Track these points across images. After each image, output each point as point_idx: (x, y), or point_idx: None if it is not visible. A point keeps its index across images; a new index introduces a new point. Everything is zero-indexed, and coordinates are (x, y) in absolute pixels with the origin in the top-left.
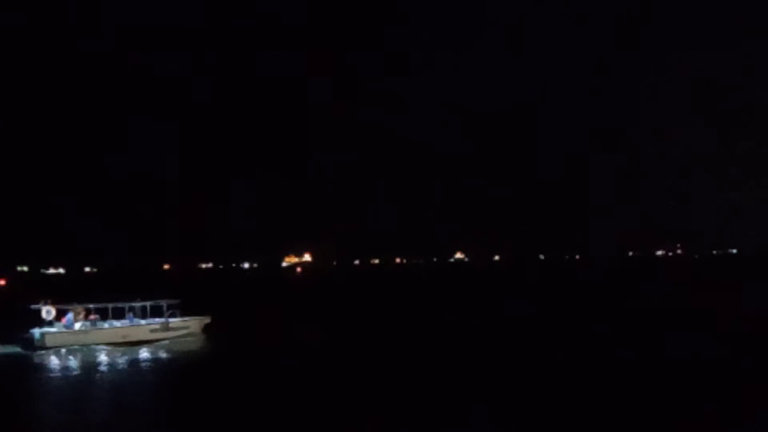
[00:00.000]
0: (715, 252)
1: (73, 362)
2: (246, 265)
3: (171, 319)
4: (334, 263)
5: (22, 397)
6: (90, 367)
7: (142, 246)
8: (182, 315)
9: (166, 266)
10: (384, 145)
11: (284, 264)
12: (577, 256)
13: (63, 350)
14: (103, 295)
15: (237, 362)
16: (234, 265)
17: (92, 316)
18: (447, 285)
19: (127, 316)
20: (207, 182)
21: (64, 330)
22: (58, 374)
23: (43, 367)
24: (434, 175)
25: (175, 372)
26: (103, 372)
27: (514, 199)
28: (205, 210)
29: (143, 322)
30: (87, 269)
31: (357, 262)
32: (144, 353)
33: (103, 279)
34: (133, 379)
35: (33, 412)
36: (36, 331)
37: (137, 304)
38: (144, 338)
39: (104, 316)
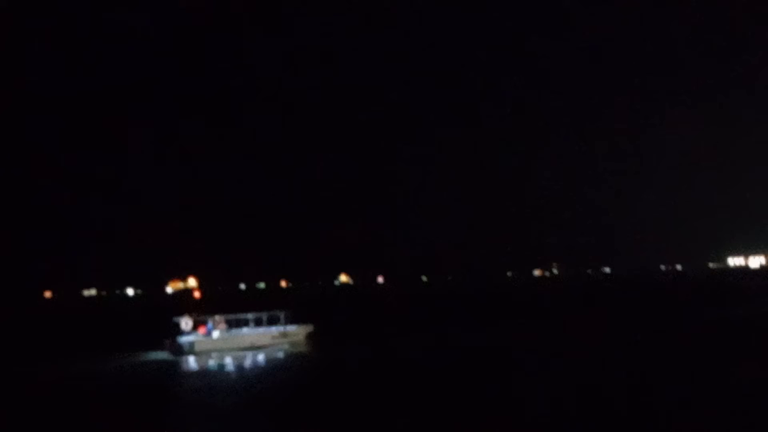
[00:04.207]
0: (589, 271)
1: (216, 364)
2: (131, 292)
3: (288, 327)
4: (220, 288)
5: (181, 394)
6: (231, 367)
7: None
8: (292, 323)
9: (47, 294)
10: (265, 165)
11: (169, 290)
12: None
13: (206, 355)
14: None
15: (338, 361)
16: (118, 291)
17: (222, 326)
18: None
19: (249, 325)
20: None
21: (206, 338)
22: (209, 374)
23: (196, 369)
24: (320, 196)
25: (297, 369)
26: (242, 371)
27: (401, 219)
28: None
29: (262, 329)
30: None
31: (243, 286)
32: (269, 355)
33: None
34: (266, 376)
35: (191, 407)
36: (185, 339)
37: (251, 315)
38: (267, 344)
39: (229, 325)
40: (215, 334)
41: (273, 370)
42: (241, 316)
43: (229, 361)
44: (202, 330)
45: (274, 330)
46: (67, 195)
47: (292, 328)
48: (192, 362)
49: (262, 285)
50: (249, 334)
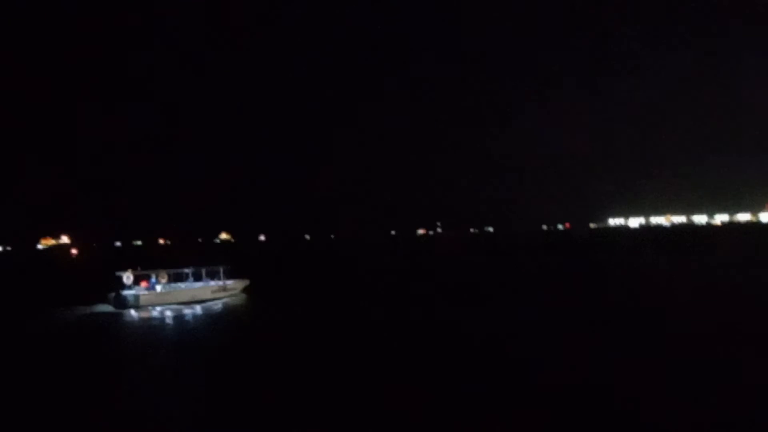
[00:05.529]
0: (472, 230)
1: (160, 316)
2: None
3: (227, 281)
4: (94, 245)
5: (126, 347)
6: (173, 319)
7: None
8: (229, 278)
9: None
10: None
11: (40, 246)
12: (332, 236)
13: (149, 308)
14: None
15: (273, 314)
16: None
17: (164, 280)
18: None
19: (188, 279)
20: None
21: (149, 292)
22: (153, 325)
23: (140, 321)
24: (201, 154)
25: (237, 321)
26: (184, 323)
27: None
28: None
29: (201, 283)
30: None
31: (119, 243)
32: (209, 308)
33: None
34: (207, 328)
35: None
36: (129, 293)
37: (190, 270)
38: (208, 297)
39: (170, 279)
40: (158, 288)
41: (211, 322)
42: (181, 270)
43: (170, 314)
44: (144, 284)
45: (214, 284)
46: None
47: (230, 283)
48: (135, 315)
49: (139, 242)
50: (190, 288)
